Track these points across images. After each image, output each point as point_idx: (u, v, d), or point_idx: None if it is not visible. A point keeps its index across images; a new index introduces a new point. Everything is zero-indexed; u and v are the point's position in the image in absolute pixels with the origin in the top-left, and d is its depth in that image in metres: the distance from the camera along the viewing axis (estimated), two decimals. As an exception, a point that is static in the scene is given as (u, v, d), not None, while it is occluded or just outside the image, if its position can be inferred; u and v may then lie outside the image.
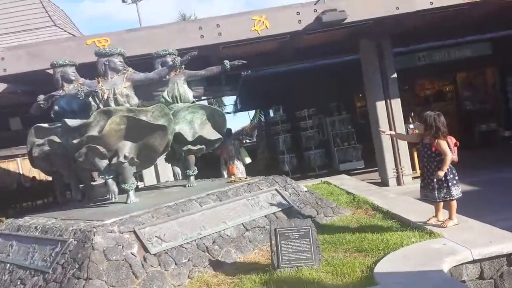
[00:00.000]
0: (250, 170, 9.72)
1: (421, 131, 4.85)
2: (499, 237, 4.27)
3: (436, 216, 4.83)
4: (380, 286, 3.45)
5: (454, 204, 4.73)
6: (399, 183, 9.63)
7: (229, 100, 28.54)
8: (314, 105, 13.42)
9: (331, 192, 7.72)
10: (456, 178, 4.73)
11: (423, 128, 4.79)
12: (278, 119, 13.82)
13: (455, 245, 4.16)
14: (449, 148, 4.64)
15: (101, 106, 5.73)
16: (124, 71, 5.96)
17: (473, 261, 4.01)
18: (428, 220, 4.86)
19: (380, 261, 4.00)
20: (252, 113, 27.89)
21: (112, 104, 5.71)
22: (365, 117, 12.23)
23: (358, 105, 15.35)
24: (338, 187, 8.08)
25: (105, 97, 5.75)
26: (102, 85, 5.80)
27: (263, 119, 19.48)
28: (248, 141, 29.62)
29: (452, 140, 4.72)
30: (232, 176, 7.78)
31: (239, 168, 8.98)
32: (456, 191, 4.70)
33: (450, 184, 4.66)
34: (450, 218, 4.73)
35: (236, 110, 23.92)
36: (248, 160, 8.11)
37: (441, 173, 4.64)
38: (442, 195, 4.69)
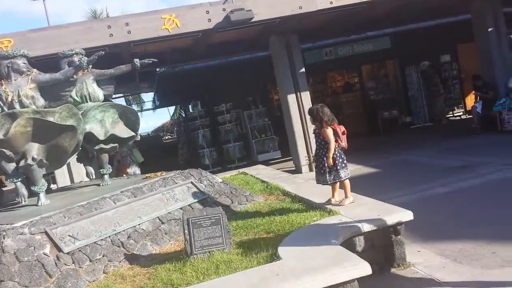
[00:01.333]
0: (171, 166, 9.83)
1: (314, 125, 5.32)
2: (387, 211, 4.81)
3: (333, 196, 5.34)
4: (281, 261, 3.82)
5: (347, 184, 5.27)
6: (311, 169, 10.25)
7: (148, 97, 28.14)
8: (231, 100, 13.79)
9: (247, 181, 8.08)
10: (345, 162, 5.26)
11: (314, 122, 5.25)
12: (197, 114, 14.03)
13: (349, 220, 4.65)
14: (337, 135, 5.15)
15: (5, 109, 5.57)
16: (29, 73, 5.83)
17: (364, 233, 4.51)
18: (327, 201, 5.37)
19: (284, 239, 4.38)
20: (172, 109, 27.71)
21: (17, 106, 5.57)
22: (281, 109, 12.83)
23: (276, 98, 15.97)
24: (254, 177, 8.47)
25: (9, 99, 5.60)
26: (5, 88, 5.64)
27: (183, 115, 19.51)
28: (169, 137, 29.42)
29: (340, 128, 5.24)
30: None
31: (132, 168, 9.10)
32: (344, 173, 5.24)
33: (338, 167, 5.18)
34: (346, 196, 5.27)
35: (155, 107, 23.65)
36: (141, 159, 8.24)
37: (329, 161, 5.15)
38: (332, 177, 5.20)
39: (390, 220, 4.62)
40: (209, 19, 8.55)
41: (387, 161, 10.38)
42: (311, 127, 5.66)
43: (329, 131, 5.15)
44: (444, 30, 14.61)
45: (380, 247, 4.63)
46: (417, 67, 15.50)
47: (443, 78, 15.90)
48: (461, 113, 16.39)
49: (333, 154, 5.13)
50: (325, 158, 5.17)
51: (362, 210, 4.94)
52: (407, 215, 4.67)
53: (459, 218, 5.76)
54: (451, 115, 16.49)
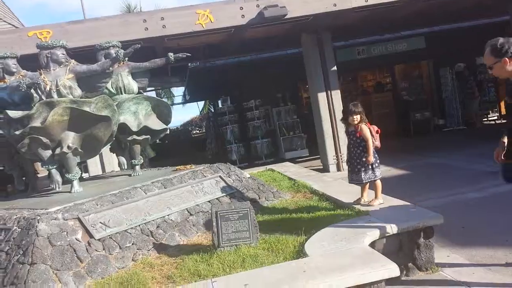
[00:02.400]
0: (199, 160, 9.94)
1: (348, 121, 5.26)
2: (417, 214, 4.75)
3: (362, 196, 5.29)
4: (308, 258, 3.83)
5: (379, 184, 5.21)
6: (338, 169, 10.18)
7: (178, 91, 28.47)
8: (261, 96, 13.80)
9: (274, 178, 8.10)
10: (378, 161, 5.21)
11: (353, 118, 5.18)
12: (226, 109, 14.10)
13: (378, 221, 4.60)
14: (371, 134, 5.12)
15: (43, 97, 5.76)
16: (67, 63, 6.01)
17: (393, 235, 4.46)
18: (356, 200, 5.33)
19: (311, 237, 4.38)
20: (201, 104, 27.97)
21: (55, 95, 5.75)
22: (310, 107, 12.78)
23: (305, 96, 15.88)
24: (281, 174, 8.48)
25: (48, 88, 5.78)
26: (44, 77, 5.83)
27: (212, 110, 19.67)
28: (197, 131, 29.72)
29: (374, 128, 5.20)
30: None
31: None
32: (378, 172, 5.22)
33: (374, 166, 5.15)
34: (376, 197, 5.21)
35: (185, 101, 23.91)
36: (152, 154, 8.32)
37: (370, 158, 5.12)
38: (368, 176, 5.16)
39: (420, 223, 4.54)
40: (242, 15, 8.58)
41: (418, 164, 10.19)
42: (340, 126, 5.62)
43: (367, 129, 5.13)
44: (481, 31, 14.14)
45: (409, 249, 4.56)
46: (452, 68, 15.12)
47: (478, 81, 15.46)
48: (496, 117, 15.91)
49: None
50: (361, 157, 5.14)
51: (392, 212, 4.88)
52: (437, 219, 4.59)
53: (490, 225, 5.61)
54: (486, 119, 16.03)
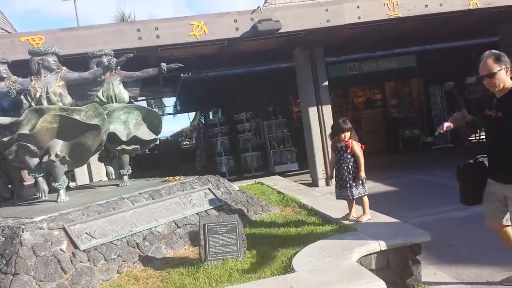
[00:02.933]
0: (188, 171, 9.87)
1: (337, 138, 5.28)
2: (405, 231, 4.76)
3: (351, 212, 5.30)
4: (295, 273, 3.80)
5: (366, 200, 5.22)
6: (327, 183, 10.20)
7: (170, 102, 28.43)
8: (252, 109, 13.84)
9: (263, 191, 8.07)
10: (364, 177, 5.25)
11: (344, 134, 5.20)
12: (217, 121, 14.10)
13: (366, 237, 4.60)
14: None
15: (33, 104, 5.70)
16: (58, 70, 5.97)
17: (381, 252, 4.45)
18: (344, 216, 5.32)
19: (299, 252, 4.35)
20: (192, 115, 27.95)
21: (45, 102, 5.70)
22: (301, 121, 12.83)
23: (296, 110, 15.94)
24: (270, 187, 8.46)
25: (38, 95, 5.73)
26: (34, 84, 5.78)
27: (203, 121, 19.67)
28: (187, 142, 29.64)
29: (358, 144, 5.27)
30: None
31: None
32: (366, 187, 5.26)
33: (363, 181, 5.18)
34: (364, 213, 5.22)
35: (176, 112, 23.88)
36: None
37: (363, 173, 5.15)
38: (358, 191, 5.17)
39: (407, 240, 4.55)
40: (236, 27, 8.64)
41: (406, 180, 10.25)
42: (330, 141, 5.63)
43: (358, 145, 5.18)
44: (471, 51, 14.42)
45: (396, 266, 4.55)
46: (441, 87, 15.32)
47: (467, 100, 15.65)
48: (484, 136, 16.08)
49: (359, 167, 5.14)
50: (352, 173, 5.15)
51: (379, 228, 4.88)
52: (424, 236, 4.59)
53: (475, 243, 5.63)
54: (474, 138, 16.21)
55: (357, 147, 5.18)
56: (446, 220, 6.75)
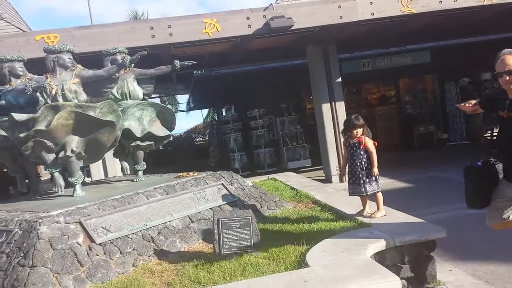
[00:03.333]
0: (202, 167, 9.94)
1: (349, 134, 5.26)
2: (420, 227, 4.72)
3: (364, 209, 5.28)
4: (309, 268, 3.81)
5: (380, 196, 5.20)
6: (341, 180, 10.14)
7: (183, 99, 28.56)
8: (265, 106, 13.83)
9: (276, 187, 8.08)
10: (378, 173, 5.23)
11: (357, 131, 5.19)
12: (230, 118, 14.13)
13: (380, 233, 4.58)
14: None
15: (49, 101, 5.78)
16: (73, 68, 6.05)
17: (395, 247, 4.43)
18: (359, 212, 5.31)
19: (312, 247, 4.36)
20: (205, 111, 28.03)
21: (60, 99, 5.78)
22: (314, 118, 12.80)
23: (309, 107, 15.90)
24: (284, 183, 8.47)
25: (53, 92, 5.81)
26: (50, 81, 5.86)
27: (216, 118, 19.72)
28: (200, 139, 29.75)
29: (371, 140, 5.25)
30: None
31: None
32: (380, 183, 5.23)
33: (377, 178, 5.16)
34: (378, 209, 5.19)
35: (189, 109, 23.97)
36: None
37: (376, 169, 5.13)
38: (372, 187, 5.15)
39: (422, 236, 4.52)
40: (249, 25, 8.64)
41: (421, 177, 10.16)
42: (343, 138, 5.60)
43: (371, 141, 5.17)
44: (486, 47, 14.20)
45: (411, 263, 4.53)
46: (456, 83, 15.13)
47: (482, 96, 15.46)
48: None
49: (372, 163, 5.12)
50: (366, 169, 5.14)
51: (394, 224, 4.86)
52: (440, 232, 4.56)
53: (491, 240, 5.56)
54: (489, 134, 15.99)
55: (370, 143, 5.16)
56: (462, 217, 6.67)
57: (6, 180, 7.45)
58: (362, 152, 5.18)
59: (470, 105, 4.05)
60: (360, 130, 5.18)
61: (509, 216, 3.73)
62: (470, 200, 3.98)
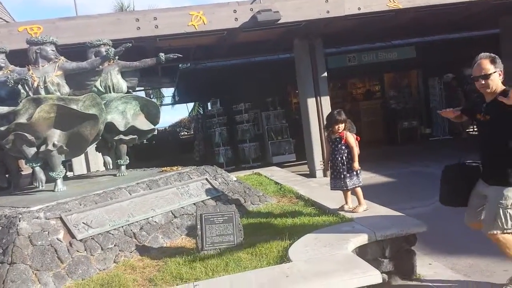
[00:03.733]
0: (186, 162, 9.91)
1: (331, 129, 5.30)
2: (401, 221, 4.79)
3: (347, 203, 5.32)
4: (291, 263, 3.83)
5: (359, 190, 5.25)
6: (325, 174, 10.19)
7: (168, 92, 28.34)
8: (250, 100, 13.82)
9: (260, 182, 8.10)
10: (359, 168, 5.27)
11: (338, 126, 5.22)
12: (215, 112, 14.08)
13: (362, 227, 4.63)
14: None
15: (30, 94, 5.69)
16: (56, 60, 5.96)
17: (376, 242, 4.48)
18: (341, 207, 5.35)
19: (295, 242, 4.38)
20: (191, 105, 27.88)
21: (42, 92, 5.70)
22: (300, 112, 12.82)
23: (294, 101, 15.92)
24: (268, 178, 8.49)
25: (35, 85, 5.72)
26: (32, 73, 5.76)
27: (201, 112, 19.63)
28: (185, 133, 29.61)
29: (353, 135, 5.29)
30: None
31: None
32: (360, 178, 5.27)
33: (358, 172, 5.20)
34: (360, 204, 5.24)
35: (174, 102, 23.82)
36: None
37: (357, 164, 5.17)
38: (353, 182, 5.20)
39: (403, 230, 4.58)
40: (236, 18, 8.59)
41: (403, 171, 10.27)
42: (325, 132, 5.64)
43: (352, 136, 5.21)
44: (470, 43, 14.39)
45: (391, 257, 4.58)
46: (440, 79, 15.29)
47: (465, 92, 15.64)
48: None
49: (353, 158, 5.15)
50: (347, 164, 5.17)
51: (375, 219, 4.91)
52: (420, 227, 4.63)
53: (472, 234, 5.64)
54: (472, 130, 16.22)
55: (351, 138, 5.19)
56: (442, 211, 6.73)
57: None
58: (343, 147, 5.21)
59: (451, 112, 4.12)
60: (341, 126, 5.21)
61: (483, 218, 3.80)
62: (445, 200, 4.09)
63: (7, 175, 6.86)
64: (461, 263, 4.82)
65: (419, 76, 16.32)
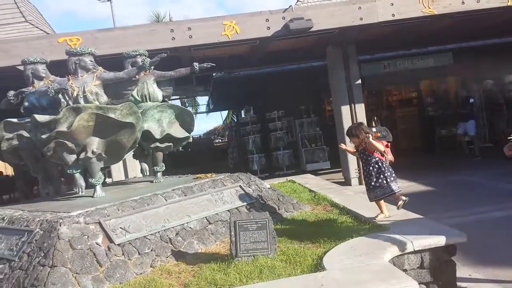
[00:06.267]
0: (221, 169, 9.97)
1: (355, 143, 5.29)
2: (440, 231, 4.63)
3: (382, 212, 5.22)
4: (326, 272, 3.78)
5: (397, 197, 5.11)
6: (360, 182, 10.07)
7: (203, 100, 28.71)
8: (284, 107, 13.82)
9: (294, 189, 8.05)
10: (394, 175, 5.14)
11: (354, 140, 5.23)
12: (249, 119, 14.16)
13: (399, 237, 4.51)
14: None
15: (70, 103, 5.90)
16: (94, 70, 6.15)
17: (414, 252, 4.36)
18: (377, 215, 5.24)
19: (329, 250, 4.33)
20: (225, 113, 28.13)
21: (82, 101, 5.89)
22: (334, 119, 12.72)
23: (328, 108, 15.81)
24: (302, 185, 8.43)
25: (75, 94, 5.93)
26: (72, 83, 5.97)
27: (235, 119, 19.78)
28: (220, 140, 29.87)
29: (383, 143, 5.20)
30: None
31: None
32: (395, 186, 5.10)
33: (388, 180, 5.07)
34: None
35: (208, 110, 24.10)
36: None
37: (391, 157, 5.15)
38: (384, 191, 5.09)
39: (442, 240, 4.43)
40: (268, 27, 8.64)
41: (442, 180, 10.00)
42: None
43: (371, 141, 5.07)
44: (509, 49, 13.92)
45: (430, 267, 4.46)
46: (479, 85, 14.84)
47: (506, 99, 15.12)
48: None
49: (382, 167, 5.08)
50: (373, 174, 5.10)
51: (413, 228, 4.78)
52: (460, 237, 4.48)
53: (514, 245, 5.46)
54: (513, 137, 15.63)
55: (373, 144, 5.06)
56: (484, 221, 6.56)
57: (28, 180, 7.62)
58: (369, 158, 5.16)
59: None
60: (356, 140, 5.19)
61: None
62: None
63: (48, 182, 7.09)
64: (503, 274, 4.64)
65: (457, 82, 15.89)
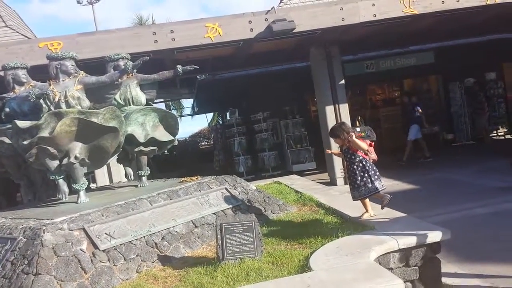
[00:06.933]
0: (207, 171, 9.93)
1: (338, 143, 5.35)
2: (424, 229, 4.68)
3: (367, 211, 5.26)
4: (313, 272, 3.79)
5: (381, 196, 5.16)
6: (346, 182, 10.07)
7: (188, 103, 28.63)
8: (268, 109, 13.85)
9: (280, 191, 8.06)
10: (378, 173, 5.18)
11: (337, 140, 5.29)
12: (234, 121, 14.15)
13: (384, 235, 4.55)
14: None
15: (52, 108, 5.81)
16: (76, 74, 6.08)
17: (399, 250, 4.41)
18: (362, 215, 5.28)
19: (316, 251, 4.34)
20: (210, 115, 28.09)
21: (63, 106, 5.81)
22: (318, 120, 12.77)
23: (313, 109, 15.88)
24: (288, 186, 8.45)
25: (56, 99, 5.84)
26: (53, 88, 5.89)
27: (220, 122, 19.76)
28: (205, 143, 29.81)
29: (367, 142, 5.22)
30: None
31: None
32: (379, 184, 5.15)
33: (373, 179, 5.11)
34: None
35: (194, 113, 24.03)
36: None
37: (374, 156, 5.18)
38: (368, 190, 5.13)
39: (427, 238, 4.49)
40: (251, 28, 8.64)
41: (425, 178, 10.12)
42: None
43: (355, 140, 5.08)
44: (490, 47, 14.17)
45: (415, 265, 4.51)
46: (461, 83, 15.07)
47: (487, 96, 15.38)
48: (504, 132, 15.81)
49: (366, 166, 5.11)
50: (357, 173, 5.14)
51: (398, 227, 4.83)
52: (444, 234, 4.53)
53: (498, 241, 5.54)
54: (495, 134, 15.91)
55: (356, 142, 5.08)
56: (468, 218, 6.66)
57: (13, 188, 7.48)
58: (353, 157, 5.20)
59: None
60: (338, 140, 5.26)
61: None
62: None
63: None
64: (487, 271, 4.70)
65: (439, 81, 16.12)
